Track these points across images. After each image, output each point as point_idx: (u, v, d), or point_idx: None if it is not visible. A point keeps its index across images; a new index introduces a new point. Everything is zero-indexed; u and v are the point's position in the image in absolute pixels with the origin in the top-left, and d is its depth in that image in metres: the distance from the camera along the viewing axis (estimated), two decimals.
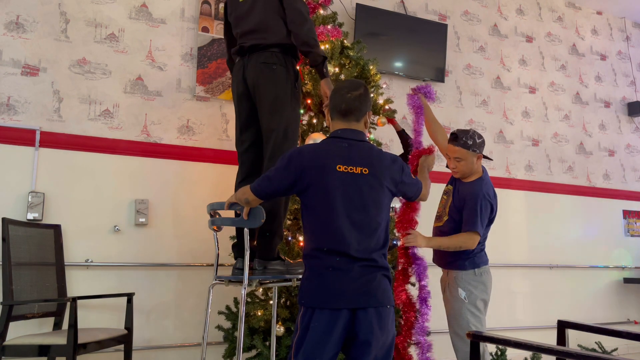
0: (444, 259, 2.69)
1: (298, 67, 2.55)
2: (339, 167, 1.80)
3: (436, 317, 3.75)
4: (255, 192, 1.91)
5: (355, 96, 1.89)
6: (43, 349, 2.55)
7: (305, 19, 2.37)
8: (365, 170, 1.82)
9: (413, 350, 2.56)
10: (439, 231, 2.74)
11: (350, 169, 1.81)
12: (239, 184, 2.49)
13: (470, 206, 2.56)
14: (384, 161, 1.87)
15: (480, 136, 2.65)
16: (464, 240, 2.55)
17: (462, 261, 2.60)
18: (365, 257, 1.76)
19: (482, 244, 2.65)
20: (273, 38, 2.40)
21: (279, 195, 1.91)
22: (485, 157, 2.71)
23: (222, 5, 3.84)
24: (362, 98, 1.91)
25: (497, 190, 2.77)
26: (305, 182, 1.81)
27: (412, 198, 2.06)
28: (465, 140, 2.59)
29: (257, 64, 2.39)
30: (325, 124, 2.99)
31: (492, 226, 2.74)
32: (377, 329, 1.72)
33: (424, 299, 2.57)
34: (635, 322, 5.31)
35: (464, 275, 2.60)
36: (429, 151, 2.54)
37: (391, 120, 3.36)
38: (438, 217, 2.78)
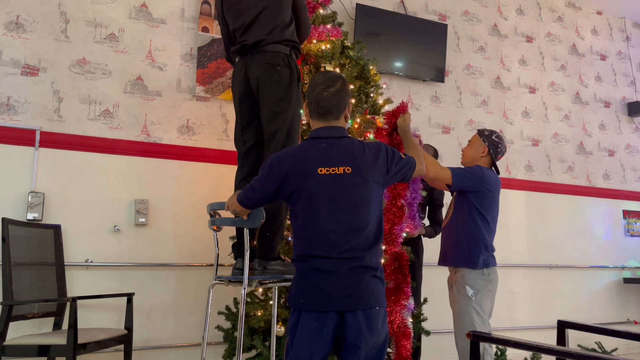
0: (456, 256, 2.63)
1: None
2: (320, 170, 1.75)
3: (437, 317, 3.76)
4: (241, 202, 1.90)
5: (332, 94, 1.81)
6: (43, 349, 2.54)
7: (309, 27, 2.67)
8: (347, 170, 1.76)
9: None
10: (447, 228, 2.73)
11: (332, 170, 1.76)
12: (239, 183, 2.48)
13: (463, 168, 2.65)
14: (367, 156, 1.80)
15: (501, 139, 2.71)
16: (438, 164, 2.53)
17: (475, 259, 2.56)
18: (354, 257, 1.72)
19: (491, 245, 2.64)
20: (275, 36, 2.39)
21: (265, 203, 1.90)
22: (494, 164, 2.73)
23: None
24: (339, 94, 1.83)
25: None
26: (289, 189, 1.78)
27: (408, 178, 1.99)
28: (483, 131, 2.74)
29: (261, 64, 2.37)
30: None
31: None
32: (366, 331, 1.69)
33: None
34: (635, 322, 5.31)
35: (473, 274, 2.56)
36: (403, 109, 2.52)
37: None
38: (445, 216, 2.80)
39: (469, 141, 2.80)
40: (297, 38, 2.51)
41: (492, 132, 2.73)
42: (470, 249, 2.58)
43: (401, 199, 2.62)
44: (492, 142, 2.70)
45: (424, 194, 3.58)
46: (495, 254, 2.69)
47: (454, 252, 2.63)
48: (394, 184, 2.58)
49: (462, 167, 2.67)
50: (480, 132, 2.74)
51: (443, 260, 2.73)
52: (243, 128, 2.49)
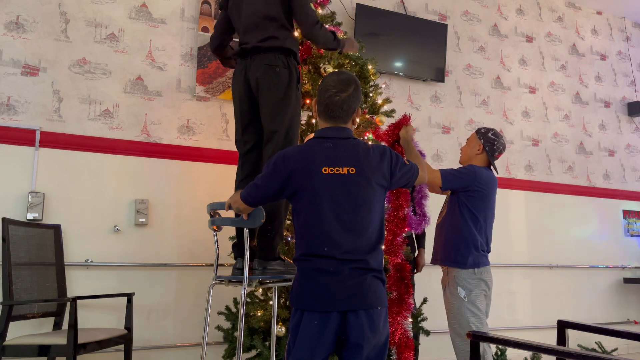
0: (445, 255, 2.64)
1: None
2: (325, 170, 1.76)
3: (436, 317, 3.76)
4: (245, 200, 1.90)
5: (343, 98, 1.82)
6: (43, 349, 2.55)
7: (314, 21, 2.47)
8: (352, 170, 1.77)
9: None
10: (440, 227, 2.75)
11: (337, 170, 1.76)
12: (240, 182, 2.49)
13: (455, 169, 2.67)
14: (371, 158, 1.80)
15: (497, 136, 2.70)
16: (428, 167, 2.53)
17: (464, 259, 2.56)
18: (356, 259, 1.73)
19: (482, 245, 2.63)
20: (275, 41, 2.40)
21: (269, 201, 1.89)
22: (492, 163, 2.72)
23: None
24: (351, 99, 1.83)
25: (497, 190, 2.74)
26: (293, 187, 1.78)
27: (410, 185, 2.00)
28: (480, 129, 2.75)
29: (260, 65, 2.39)
30: None
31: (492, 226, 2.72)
32: (368, 331, 1.69)
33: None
34: (635, 322, 5.31)
35: (463, 274, 2.56)
36: (406, 121, 2.53)
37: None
38: (439, 215, 2.81)
39: (467, 139, 2.81)
40: (295, 44, 2.50)
41: (489, 129, 2.73)
42: (459, 248, 2.58)
43: (403, 209, 2.61)
44: (487, 140, 2.69)
45: None
46: (495, 254, 2.67)
47: (444, 251, 2.64)
48: (396, 195, 2.60)
49: (455, 167, 2.68)
50: (477, 130, 2.75)
51: (434, 259, 2.74)
52: (244, 129, 2.51)
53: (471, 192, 2.58)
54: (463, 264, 2.56)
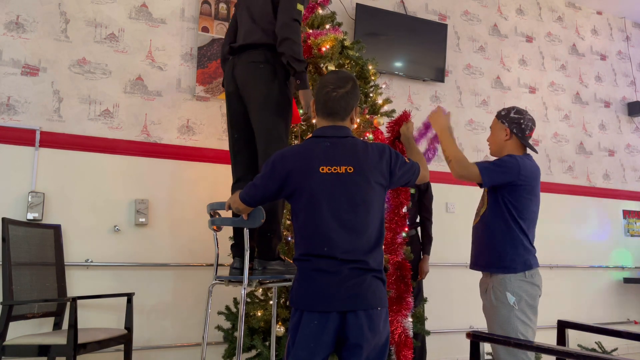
0: (489, 259, 2.29)
1: None
2: (322, 169, 1.75)
3: (436, 317, 3.77)
4: (244, 200, 1.90)
5: (341, 95, 1.81)
6: (43, 349, 2.54)
7: (292, 31, 2.29)
8: (350, 169, 1.75)
9: None
10: (478, 227, 2.38)
11: (335, 169, 1.75)
12: (235, 184, 2.47)
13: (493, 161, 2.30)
14: (370, 157, 1.79)
15: (521, 113, 2.34)
16: (464, 161, 2.25)
17: (511, 262, 2.23)
18: (355, 259, 1.72)
19: (530, 244, 2.30)
20: (261, 38, 2.38)
21: (268, 201, 1.89)
22: (526, 144, 2.35)
23: (222, 5, 3.84)
24: (349, 96, 1.82)
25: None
26: (291, 187, 1.78)
27: (411, 184, 1.97)
28: (499, 112, 2.41)
29: (245, 63, 2.38)
30: None
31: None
32: (368, 331, 1.69)
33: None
34: (635, 322, 5.31)
35: (513, 278, 2.22)
36: (406, 117, 2.51)
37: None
38: (477, 214, 2.43)
39: (490, 127, 2.44)
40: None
41: (509, 109, 2.37)
42: (506, 251, 2.24)
43: (403, 207, 2.61)
44: (512, 121, 2.33)
45: (412, 191, 3.54)
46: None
47: (488, 256, 2.30)
48: (396, 193, 2.59)
49: (491, 160, 2.32)
50: (497, 114, 2.39)
51: (475, 264, 2.39)
52: (233, 127, 2.48)
53: (515, 187, 2.24)
54: (513, 268, 2.23)
